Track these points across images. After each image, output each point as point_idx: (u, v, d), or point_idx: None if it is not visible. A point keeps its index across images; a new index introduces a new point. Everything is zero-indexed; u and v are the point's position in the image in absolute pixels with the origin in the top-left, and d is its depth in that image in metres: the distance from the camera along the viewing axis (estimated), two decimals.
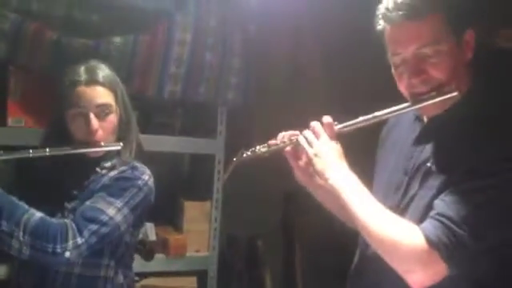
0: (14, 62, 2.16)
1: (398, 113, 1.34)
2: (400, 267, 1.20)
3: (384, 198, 1.30)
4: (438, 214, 1.18)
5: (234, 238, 2.86)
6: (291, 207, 2.96)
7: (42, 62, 2.15)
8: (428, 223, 1.19)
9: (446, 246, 1.15)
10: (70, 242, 1.56)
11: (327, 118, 1.40)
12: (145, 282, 2.46)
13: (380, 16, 1.29)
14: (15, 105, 2.22)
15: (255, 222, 2.83)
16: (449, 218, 1.16)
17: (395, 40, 1.28)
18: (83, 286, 1.67)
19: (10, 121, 2.22)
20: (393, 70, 1.33)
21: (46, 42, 2.13)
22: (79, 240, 1.57)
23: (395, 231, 1.20)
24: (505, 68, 1.77)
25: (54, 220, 1.59)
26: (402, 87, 1.31)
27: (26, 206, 1.58)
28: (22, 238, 1.52)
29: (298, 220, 2.94)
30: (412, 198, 1.28)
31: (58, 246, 1.54)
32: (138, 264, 2.34)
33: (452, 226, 1.15)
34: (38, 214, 1.58)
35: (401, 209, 1.29)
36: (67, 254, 1.55)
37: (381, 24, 1.29)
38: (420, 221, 1.21)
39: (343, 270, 1.54)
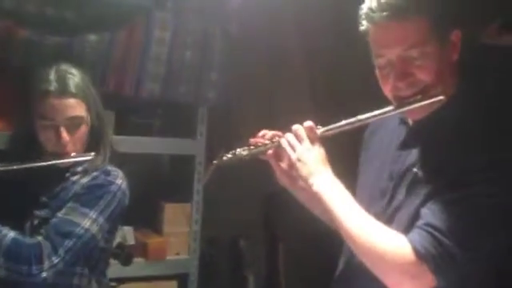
0: None
1: (382, 116, 1.30)
2: (387, 279, 1.16)
3: (368, 204, 1.26)
4: (426, 223, 1.14)
5: (215, 239, 2.81)
6: (273, 207, 2.92)
7: (12, 61, 2.06)
8: (415, 233, 1.15)
9: (434, 258, 1.11)
10: (46, 263, 1.52)
11: (308, 122, 1.35)
12: (123, 287, 2.40)
13: (363, 16, 1.24)
14: None
15: (237, 222, 2.79)
16: (436, 229, 1.12)
17: (379, 41, 1.23)
18: None
19: None
20: (377, 72, 1.28)
21: (18, 41, 2.04)
22: (55, 259, 1.54)
23: (382, 242, 1.16)
24: (491, 67, 1.74)
25: (27, 240, 1.55)
26: (387, 90, 1.27)
27: None
28: None
29: (280, 220, 2.91)
30: (398, 206, 1.24)
31: (34, 268, 1.51)
32: (116, 269, 2.29)
33: (439, 236, 1.11)
34: (11, 235, 1.54)
35: (386, 216, 1.25)
36: (43, 274, 1.52)
37: (364, 24, 1.25)
38: (407, 229, 1.18)
39: (327, 271, 1.52)
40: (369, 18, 1.22)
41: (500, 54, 2.06)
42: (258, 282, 2.87)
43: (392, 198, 1.27)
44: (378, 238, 1.17)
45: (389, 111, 1.28)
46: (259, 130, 1.50)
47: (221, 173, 1.54)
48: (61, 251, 1.55)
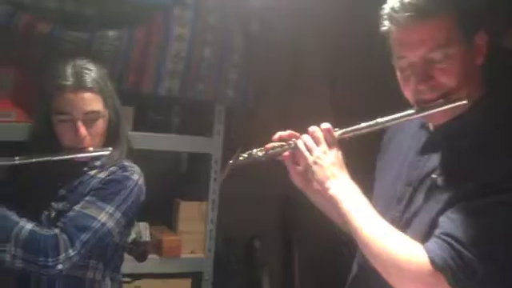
0: (5, 54, 2.09)
1: (402, 120, 1.26)
2: (400, 287, 1.13)
3: (385, 209, 1.23)
4: (444, 233, 1.10)
5: (230, 239, 2.80)
6: (290, 209, 2.90)
7: (33, 55, 2.07)
8: (433, 243, 1.11)
9: (453, 270, 1.07)
10: (62, 255, 1.53)
11: (326, 124, 1.32)
12: (137, 283, 2.40)
13: (385, 17, 1.21)
14: (5, 98, 2.16)
15: (253, 223, 2.77)
16: (457, 240, 1.08)
17: (401, 43, 1.20)
18: (68, 286, 1.63)
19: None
20: (398, 74, 1.25)
21: (38, 35, 2.06)
22: (71, 252, 1.54)
23: (398, 251, 1.13)
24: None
25: (44, 232, 1.55)
26: (408, 93, 1.24)
27: (17, 218, 1.55)
28: (13, 252, 1.51)
29: (296, 222, 2.89)
30: (416, 212, 1.20)
31: (50, 260, 1.52)
32: (131, 265, 2.29)
33: (459, 248, 1.07)
34: (28, 227, 1.54)
35: (403, 222, 1.22)
36: (59, 266, 1.53)
37: (386, 25, 1.21)
38: (424, 237, 1.14)
39: (343, 275, 1.49)
40: (391, 19, 1.19)
41: None
42: (272, 284, 2.85)
43: (409, 203, 1.24)
44: (393, 244, 1.14)
45: (409, 115, 1.25)
46: (277, 131, 1.48)
47: (238, 172, 1.53)
48: (77, 244, 1.55)
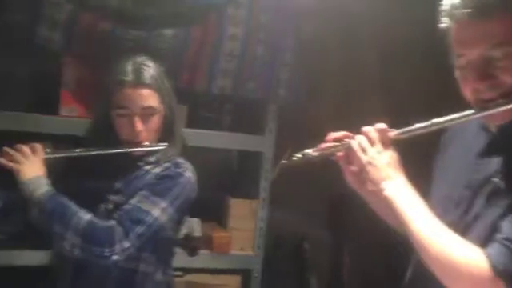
0: (68, 51, 2.18)
1: (460, 121, 1.23)
2: None
3: (443, 213, 1.20)
4: (506, 238, 1.07)
5: (280, 238, 2.80)
6: (339, 210, 2.88)
7: (95, 53, 2.14)
8: (494, 248, 1.08)
9: None
10: (117, 246, 1.58)
11: (381, 125, 1.31)
12: (188, 277, 2.44)
13: (444, 13, 1.18)
14: (68, 94, 2.24)
15: (303, 223, 2.77)
16: None
17: (460, 40, 1.16)
18: (122, 278, 1.68)
19: (62, 110, 2.24)
20: (457, 73, 1.22)
21: (100, 33, 2.12)
22: (126, 243, 1.59)
23: (456, 254, 1.10)
24: None
25: (101, 223, 1.61)
26: (467, 92, 1.20)
27: (76, 208, 1.61)
28: (72, 241, 1.57)
29: (346, 224, 2.86)
30: (476, 217, 1.17)
31: (106, 250, 1.57)
32: (182, 259, 2.33)
33: None
34: (87, 217, 1.60)
35: (462, 227, 1.18)
36: (114, 257, 1.58)
37: (445, 22, 1.18)
38: (484, 242, 1.10)
39: (393, 277, 1.47)
40: (450, 15, 1.16)
41: None
42: (320, 286, 2.84)
43: (469, 208, 1.20)
44: (452, 249, 1.11)
45: (467, 115, 1.21)
46: (330, 130, 1.47)
47: (289, 172, 1.53)
48: (131, 236, 1.60)
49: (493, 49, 1.13)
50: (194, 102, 2.42)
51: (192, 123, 2.38)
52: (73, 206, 1.61)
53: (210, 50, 2.28)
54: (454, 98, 1.25)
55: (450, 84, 1.26)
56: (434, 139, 1.45)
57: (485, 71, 1.14)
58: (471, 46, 1.15)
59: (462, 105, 1.25)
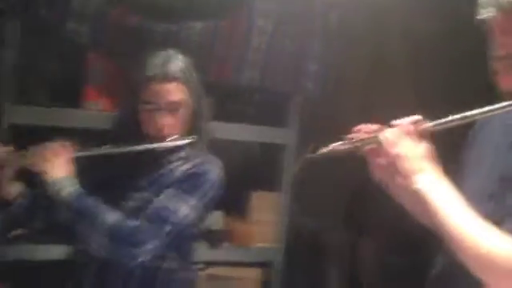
0: (95, 46, 2.18)
1: (494, 113, 1.20)
2: (495, 285, 1.08)
3: (476, 207, 1.18)
4: None
5: (301, 230, 2.79)
6: (359, 203, 2.86)
7: (123, 47, 2.14)
8: None
9: None
10: (145, 246, 1.55)
11: (413, 117, 1.28)
12: (210, 271, 2.45)
13: (487, 2, 1.15)
14: (93, 88, 2.24)
15: (324, 215, 2.75)
16: None
17: (503, 29, 1.14)
18: (145, 276, 1.65)
19: (87, 104, 2.25)
20: (494, 64, 1.19)
21: (129, 27, 2.12)
22: (153, 244, 1.56)
23: (493, 245, 1.09)
24: None
25: (128, 223, 1.58)
26: (505, 83, 1.18)
27: (103, 207, 1.58)
28: (99, 241, 1.55)
29: (366, 217, 2.84)
30: (509, 210, 1.15)
31: (133, 250, 1.55)
32: (204, 252, 2.33)
33: None
34: (114, 217, 1.57)
35: (495, 219, 1.16)
36: (141, 257, 1.56)
37: (488, 11, 1.15)
38: None
39: (412, 271, 1.45)
40: (496, 4, 1.13)
41: None
42: (340, 278, 2.82)
43: (502, 201, 1.18)
44: (488, 240, 1.10)
45: (505, 106, 1.18)
46: (355, 124, 1.45)
47: (312, 165, 1.51)
48: (160, 236, 1.57)
49: None
50: (219, 95, 2.40)
51: (217, 116, 2.36)
52: (100, 206, 1.58)
53: (239, 41, 2.28)
54: (483, 91, 1.22)
55: (478, 77, 1.23)
56: (462, 133, 1.42)
57: None
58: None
59: (491, 98, 1.23)
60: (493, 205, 1.20)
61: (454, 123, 1.25)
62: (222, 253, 2.45)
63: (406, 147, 1.25)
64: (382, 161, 1.36)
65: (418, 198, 1.21)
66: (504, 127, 1.28)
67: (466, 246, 1.12)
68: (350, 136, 1.41)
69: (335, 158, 1.49)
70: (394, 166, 1.28)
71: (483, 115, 1.23)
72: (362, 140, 1.39)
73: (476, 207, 1.17)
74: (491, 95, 1.23)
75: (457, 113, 1.26)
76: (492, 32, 1.17)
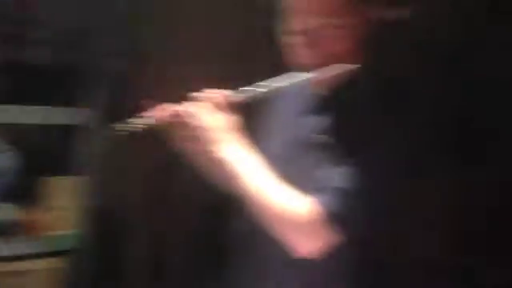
0: None
1: (299, 83, 1.30)
2: (289, 237, 1.20)
3: (276, 172, 1.27)
4: (334, 187, 1.19)
5: (100, 214, 2.70)
6: (161, 179, 2.86)
7: None
8: (324, 196, 1.19)
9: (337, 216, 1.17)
10: None
11: (214, 90, 1.32)
12: (4, 265, 2.24)
13: None
14: None
15: (124, 198, 2.69)
16: (341, 190, 1.18)
17: (295, 7, 1.24)
18: None
19: None
20: (290, 38, 1.29)
21: None
22: None
23: (286, 204, 1.21)
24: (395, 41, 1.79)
25: None
26: (299, 57, 1.28)
27: None
28: None
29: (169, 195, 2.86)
30: (302, 171, 1.27)
31: None
32: None
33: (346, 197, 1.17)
34: None
35: (292, 182, 1.27)
36: None
37: None
38: (313, 194, 1.21)
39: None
40: None
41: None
42: (138, 259, 2.80)
43: (296, 164, 1.29)
44: (284, 200, 1.21)
45: (305, 78, 1.28)
46: (154, 98, 1.43)
47: (110, 144, 1.46)
48: None
49: (323, 19, 1.23)
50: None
51: None
52: None
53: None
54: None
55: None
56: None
57: (314, 40, 1.24)
58: (304, 14, 1.24)
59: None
60: (290, 168, 1.30)
61: (258, 94, 1.32)
62: (15, 246, 2.27)
63: (207, 118, 1.29)
64: (185, 134, 1.38)
65: (222, 167, 1.26)
66: (297, 96, 1.40)
67: (265, 208, 1.23)
68: (148, 114, 1.40)
69: (134, 136, 1.46)
70: (199, 139, 1.31)
71: (284, 86, 1.32)
72: (160, 116, 1.39)
73: (277, 171, 1.27)
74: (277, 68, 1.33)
75: (245, 85, 1.33)
76: (290, 8, 1.26)
